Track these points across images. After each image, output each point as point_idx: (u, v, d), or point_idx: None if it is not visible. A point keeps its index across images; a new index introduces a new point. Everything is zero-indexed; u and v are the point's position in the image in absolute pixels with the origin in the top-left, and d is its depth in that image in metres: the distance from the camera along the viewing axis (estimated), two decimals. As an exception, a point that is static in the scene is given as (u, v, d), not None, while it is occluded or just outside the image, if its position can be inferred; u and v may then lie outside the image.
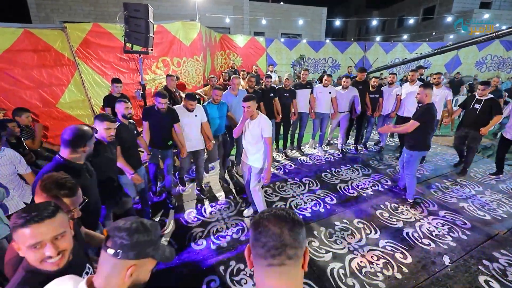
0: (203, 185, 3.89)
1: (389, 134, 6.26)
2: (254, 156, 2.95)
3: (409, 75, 4.95)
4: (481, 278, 2.41)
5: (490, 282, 2.36)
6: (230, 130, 4.35)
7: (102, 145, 2.22)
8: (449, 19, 15.51)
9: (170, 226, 3.13)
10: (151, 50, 4.06)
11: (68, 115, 4.47)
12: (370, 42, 12.60)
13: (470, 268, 2.52)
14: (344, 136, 5.41)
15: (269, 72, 7.57)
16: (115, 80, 4.17)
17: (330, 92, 4.92)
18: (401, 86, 5.29)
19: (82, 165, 1.79)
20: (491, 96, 4.12)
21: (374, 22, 19.88)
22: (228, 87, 4.25)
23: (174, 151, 3.71)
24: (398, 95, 5.01)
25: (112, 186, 2.35)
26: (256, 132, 2.85)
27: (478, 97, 4.14)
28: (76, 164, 1.73)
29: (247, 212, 3.35)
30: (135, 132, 2.93)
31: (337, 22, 15.74)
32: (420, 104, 3.36)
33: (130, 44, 3.98)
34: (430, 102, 3.29)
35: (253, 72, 7.75)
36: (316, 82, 9.06)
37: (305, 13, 15.40)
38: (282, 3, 16.65)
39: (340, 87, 5.05)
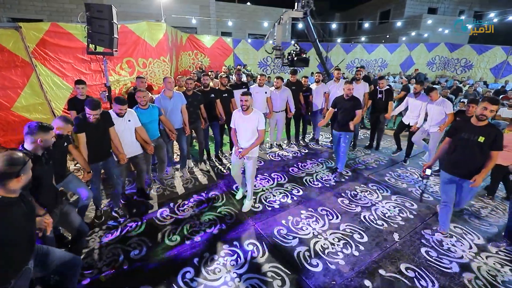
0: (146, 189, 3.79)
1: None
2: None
3: (335, 73, 5.51)
4: (423, 250, 2.81)
5: (429, 252, 2.78)
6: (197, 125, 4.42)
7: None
8: (398, 23, 16.97)
9: (142, 227, 3.18)
10: (116, 51, 3.99)
11: (26, 118, 4.22)
12: (333, 43, 13.31)
13: (414, 242, 2.93)
14: (280, 133, 5.78)
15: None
16: (78, 82, 4.02)
17: (266, 92, 5.10)
18: (326, 84, 5.75)
19: (16, 198, 1.55)
20: (388, 87, 5.32)
21: (334, 26, 20.89)
22: (163, 90, 4.02)
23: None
24: (325, 92, 5.51)
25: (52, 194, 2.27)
26: (253, 125, 3.15)
27: (380, 89, 5.24)
28: (5, 199, 1.49)
29: (247, 206, 3.50)
30: (65, 143, 2.65)
31: (300, 25, 16.27)
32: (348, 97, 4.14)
33: (93, 45, 3.88)
34: (353, 95, 4.14)
35: (223, 73, 7.84)
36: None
37: (270, 14, 15.77)
38: (248, 3, 16.87)
39: (273, 87, 5.27)
